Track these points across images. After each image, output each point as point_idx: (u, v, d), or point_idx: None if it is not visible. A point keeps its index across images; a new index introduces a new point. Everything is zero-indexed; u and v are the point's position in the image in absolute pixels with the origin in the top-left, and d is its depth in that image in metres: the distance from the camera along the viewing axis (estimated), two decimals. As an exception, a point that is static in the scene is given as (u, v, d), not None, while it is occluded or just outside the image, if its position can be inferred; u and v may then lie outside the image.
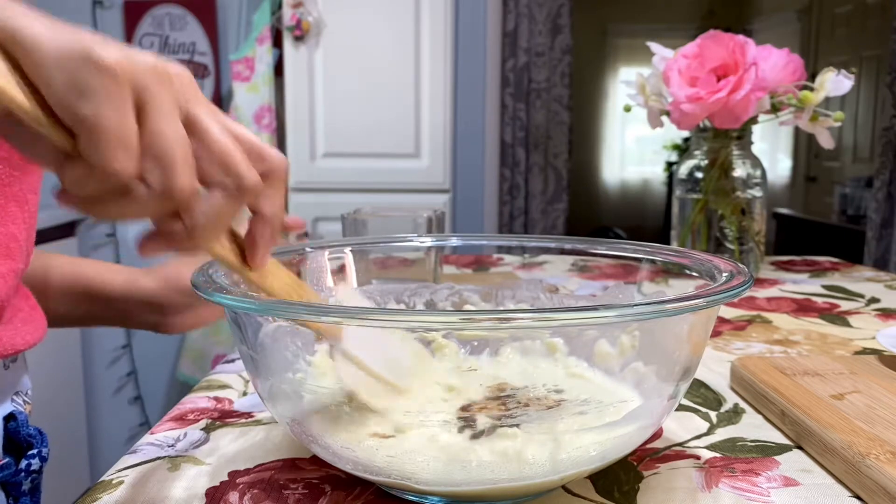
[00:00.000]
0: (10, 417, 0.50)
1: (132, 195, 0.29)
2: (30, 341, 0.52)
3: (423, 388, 0.44)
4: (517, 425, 0.37)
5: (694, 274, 0.46)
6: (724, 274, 0.41)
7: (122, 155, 0.28)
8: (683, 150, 5.36)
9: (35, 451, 0.51)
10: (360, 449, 0.37)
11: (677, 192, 1.04)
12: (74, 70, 0.27)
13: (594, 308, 0.33)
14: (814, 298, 0.91)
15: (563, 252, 0.57)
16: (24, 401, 0.54)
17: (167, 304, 0.70)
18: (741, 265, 0.43)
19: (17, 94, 0.27)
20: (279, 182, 0.36)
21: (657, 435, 0.49)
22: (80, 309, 0.69)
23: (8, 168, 0.49)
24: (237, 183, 0.31)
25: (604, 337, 0.45)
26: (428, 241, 0.60)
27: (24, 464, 0.50)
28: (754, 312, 0.84)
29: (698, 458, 0.46)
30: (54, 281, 0.68)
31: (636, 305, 0.34)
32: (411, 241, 0.60)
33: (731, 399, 0.56)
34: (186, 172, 0.30)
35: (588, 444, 0.37)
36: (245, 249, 0.36)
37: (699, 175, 1.01)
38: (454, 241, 0.62)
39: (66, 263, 0.69)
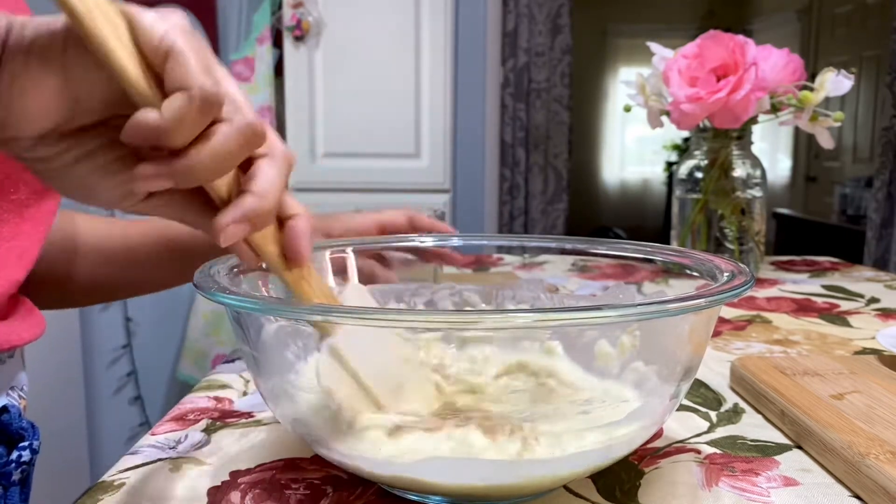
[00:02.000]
0: (3, 410, 0.52)
1: (218, 133, 0.33)
2: (26, 338, 0.53)
3: (419, 387, 0.44)
4: (520, 423, 0.37)
5: (694, 274, 0.46)
6: (725, 274, 0.41)
7: (209, 79, 0.32)
8: (683, 150, 5.36)
9: (26, 444, 0.52)
10: (361, 448, 0.37)
11: (677, 192, 1.04)
12: (160, 19, 0.33)
13: (595, 308, 0.33)
14: (814, 298, 0.91)
15: (563, 252, 0.57)
16: (19, 396, 0.56)
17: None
18: (742, 265, 0.43)
19: (123, 59, 0.32)
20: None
21: (658, 434, 0.49)
22: (163, 269, 0.70)
23: (28, 192, 0.53)
24: (245, 120, 0.34)
25: (604, 337, 0.45)
26: (428, 241, 0.60)
27: (15, 455, 0.52)
28: (754, 312, 0.84)
29: (699, 452, 0.46)
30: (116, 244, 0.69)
31: (637, 305, 0.34)
32: (411, 241, 0.60)
33: (730, 399, 0.56)
34: (253, 111, 0.34)
35: (589, 444, 0.37)
36: (284, 249, 0.38)
37: (699, 175, 1.01)
38: (454, 241, 0.62)
39: (129, 226, 0.70)
